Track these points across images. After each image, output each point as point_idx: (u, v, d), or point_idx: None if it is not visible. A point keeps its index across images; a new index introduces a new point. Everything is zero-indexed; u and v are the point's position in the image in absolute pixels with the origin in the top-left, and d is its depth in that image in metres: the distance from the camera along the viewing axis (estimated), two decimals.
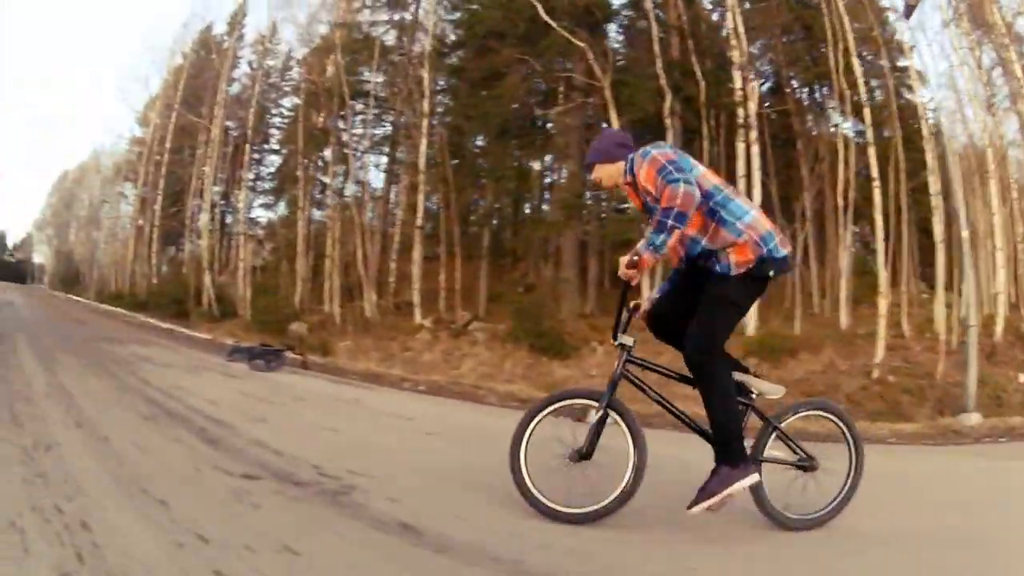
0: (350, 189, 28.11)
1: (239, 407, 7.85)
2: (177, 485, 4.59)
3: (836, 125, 21.41)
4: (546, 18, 19.70)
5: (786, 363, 16.40)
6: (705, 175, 4.35)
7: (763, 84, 22.96)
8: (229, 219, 39.49)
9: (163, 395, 8.29)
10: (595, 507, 4.31)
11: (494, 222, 26.96)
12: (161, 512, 3.98)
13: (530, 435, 4.45)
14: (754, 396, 4.57)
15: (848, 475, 4.62)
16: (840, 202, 19.18)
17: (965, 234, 13.74)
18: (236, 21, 39.17)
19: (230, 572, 3.26)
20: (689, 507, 4.16)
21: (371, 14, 29.21)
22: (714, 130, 20.91)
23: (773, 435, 4.55)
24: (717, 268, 4.33)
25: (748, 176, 18.80)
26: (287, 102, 37.71)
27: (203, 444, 5.87)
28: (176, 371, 11.45)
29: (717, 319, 4.36)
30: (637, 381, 4.50)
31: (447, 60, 26.02)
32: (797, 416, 4.69)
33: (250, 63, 38.27)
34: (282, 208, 36.65)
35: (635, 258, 4.15)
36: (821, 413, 4.74)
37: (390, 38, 28.31)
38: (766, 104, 21.37)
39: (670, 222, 4.08)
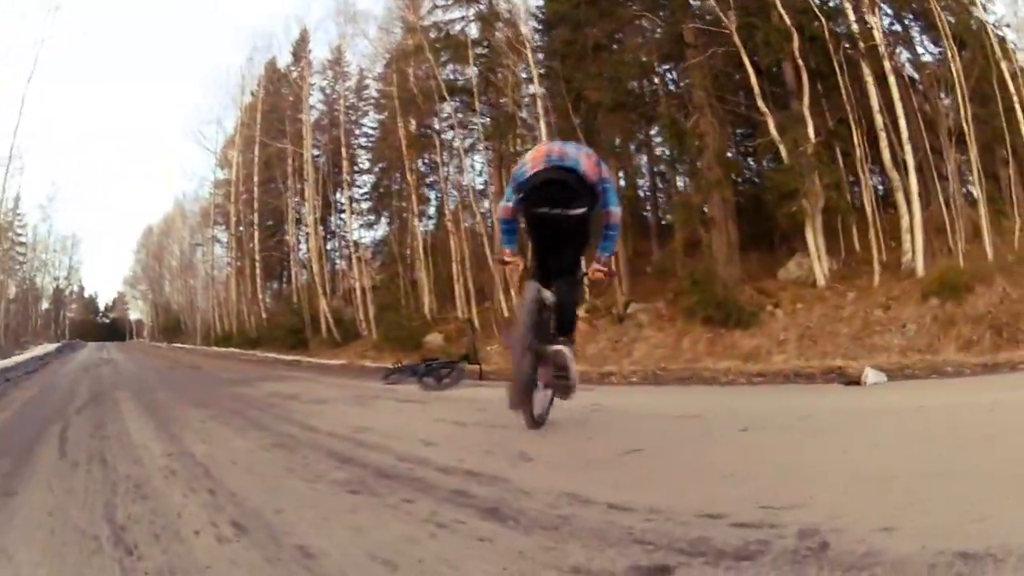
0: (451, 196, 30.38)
1: (470, 445, 5.35)
2: None
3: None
4: None
5: (966, 298, 16.33)
6: None
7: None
8: (330, 244, 40.54)
9: (350, 444, 5.46)
10: None
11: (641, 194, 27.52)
12: None
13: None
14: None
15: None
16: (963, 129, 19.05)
17: None
18: (301, 49, 40.08)
19: None
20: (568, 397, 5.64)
21: (444, 13, 30.12)
22: (842, 69, 20.34)
23: None
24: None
25: (890, 109, 18.99)
26: (368, 120, 39.96)
27: (484, 520, 3.05)
28: (340, 406, 9.01)
29: None
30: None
31: (545, 38, 26.25)
32: None
33: (322, 89, 39.84)
34: (383, 226, 38.79)
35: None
36: None
37: (473, 31, 29.06)
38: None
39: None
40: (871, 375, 9.87)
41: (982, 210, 18.55)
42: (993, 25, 19.79)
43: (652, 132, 26.88)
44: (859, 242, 20.90)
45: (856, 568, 2.25)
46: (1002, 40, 19.55)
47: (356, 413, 8.00)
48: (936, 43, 20.83)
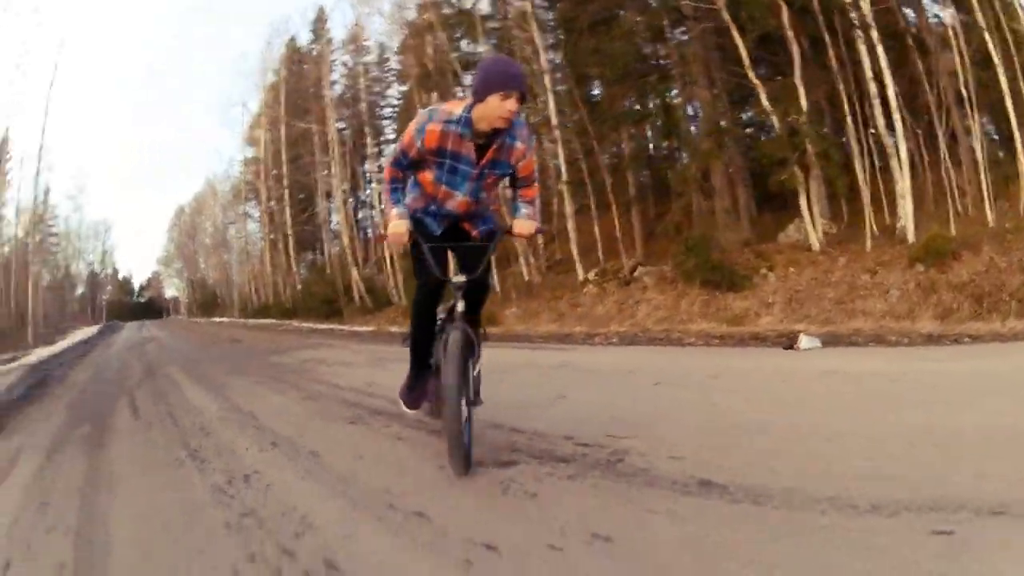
0: None
1: None
2: (427, 490, 3.83)
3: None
4: None
5: (951, 266, 15.90)
6: None
7: None
8: (360, 214, 41.02)
9: (358, 394, 7.40)
10: None
11: (640, 163, 26.67)
12: (420, 525, 3.29)
13: None
14: None
15: None
16: (963, 93, 18.78)
17: None
18: (320, 28, 40.63)
19: None
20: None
21: None
22: (839, 37, 20.27)
23: None
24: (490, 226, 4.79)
25: (879, 77, 18.46)
26: (392, 92, 39.79)
27: (429, 436, 5.00)
28: (359, 368, 10.70)
29: None
30: None
31: (550, 13, 26.08)
32: None
33: (345, 63, 39.70)
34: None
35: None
36: None
37: (484, 5, 28.48)
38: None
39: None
40: (805, 341, 10.96)
41: (982, 175, 18.58)
42: None
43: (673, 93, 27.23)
44: (865, 207, 20.53)
45: (626, 475, 3.82)
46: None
47: (370, 373, 9.64)
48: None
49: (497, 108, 4.06)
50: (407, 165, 4.45)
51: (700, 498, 3.41)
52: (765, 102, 19.82)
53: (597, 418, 5.30)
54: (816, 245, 19.56)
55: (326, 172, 38.19)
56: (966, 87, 18.62)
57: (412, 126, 4.30)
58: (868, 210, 19.75)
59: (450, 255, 4.69)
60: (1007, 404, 5.21)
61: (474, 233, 4.76)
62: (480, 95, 4.11)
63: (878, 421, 4.87)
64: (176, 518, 3.59)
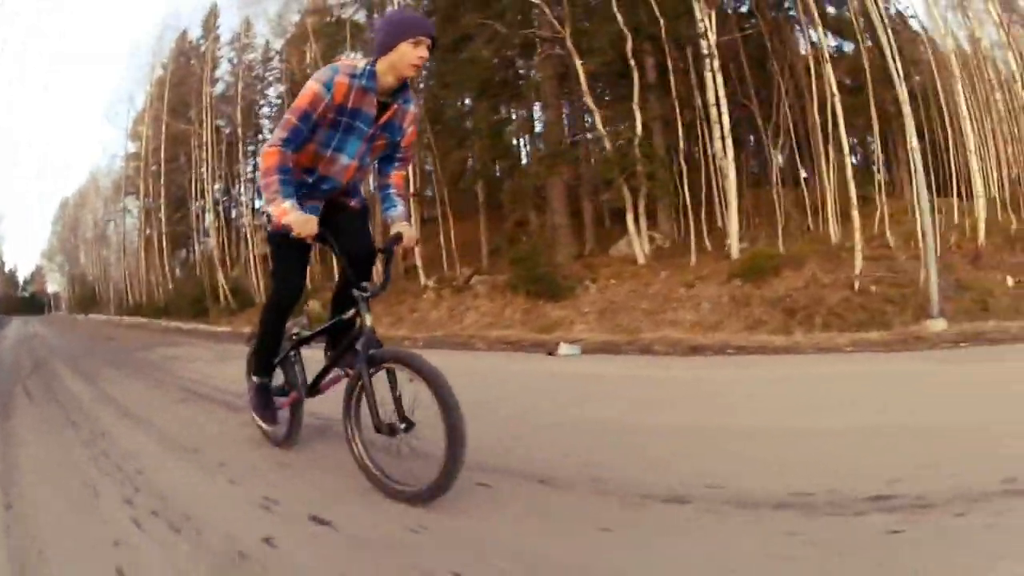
0: None
1: None
2: (207, 442, 5.77)
3: (813, 43, 21.86)
4: None
5: (770, 282, 16.87)
6: None
7: (738, 7, 24.11)
8: (235, 213, 40.65)
9: (195, 383, 9.60)
10: None
11: (485, 177, 28.06)
12: (215, 468, 4.97)
13: None
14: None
15: None
16: (819, 118, 20.09)
17: (914, 143, 14.68)
18: (210, 24, 40.05)
19: (277, 497, 4.17)
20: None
21: None
22: (687, 63, 21.57)
23: None
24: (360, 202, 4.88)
25: (717, 104, 19.60)
26: (273, 91, 39.11)
27: (226, 411, 7.12)
28: (203, 363, 12.78)
29: None
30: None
31: None
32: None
33: (230, 60, 39.15)
34: None
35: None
36: None
37: (361, 17, 28.96)
38: (746, 27, 22.48)
39: None
40: (564, 348, 12.21)
41: (829, 196, 19.93)
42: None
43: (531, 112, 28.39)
44: (691, 225, 21.78)
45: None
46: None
47: (210, 367, 11.94)
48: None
49: (408, 55, 4.05)
50: (307, 137, 4.22)
51: None
52: (599, 125, 21.21)
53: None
54: (641, 259, 20.71)
55: (203, 169, 38.18)
56: (832, 111, 19.33)
57: (314, 84, 4.12)
58: (692, 227, 21.11)
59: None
60: (680, 405, 6.96)
61: (352, 203, 4.79)
62: (388, 45, 4.07)
63: (558, 411, 6.63)
64: (61, 455, 5.57)
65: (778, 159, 22.75)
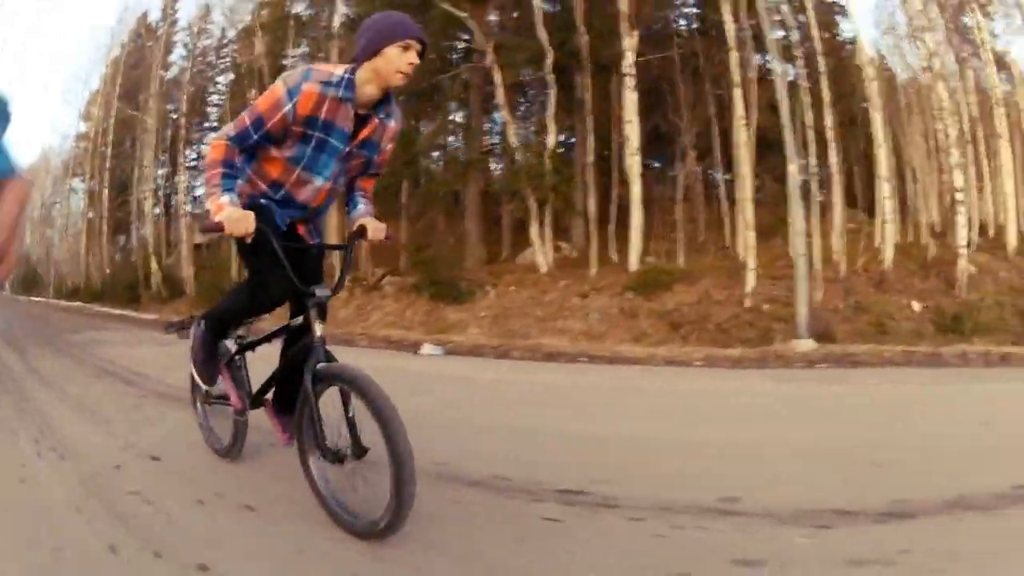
0: None
1: (158, 363, 10.70)
2: (112, 411, 7.16)
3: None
4: None
5: (660, 296, 17.29)
6: None
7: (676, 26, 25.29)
8: (174, 201, 39.33)
9: (107, 363, 11.40)
10: None
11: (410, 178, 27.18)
12: (102, 423, 6.50)
13: None
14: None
15: None
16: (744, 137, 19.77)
17: (792, 167, 14.97)
18: (168, 6, 39.32)
19: (162, 454, 5.30)
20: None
21: None
22: (602, 80, 22.39)
23: None
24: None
25: (632, 121, 19.87)
26: (223, 79, 38.27)
27: (125, 385, 8.97)
28: (120, 347, 14.29)
29: None
30: None
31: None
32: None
33: (185, 45, 38.68)
34: None
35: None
36: None
37: (307, 13, 29.04)
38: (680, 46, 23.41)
39: None
40: (426, 348, 12.82)
41: (742, 215, 19.24)
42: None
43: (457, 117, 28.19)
44: (593, 237, 22.00)
45: None
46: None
47: (128, 351, 13.46)
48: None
49: (396, 61, 3.64)
50: (256, 142, 3.77)
51: None
52: (511, 138, 21.78)
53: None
54: (544, 267, 21.05)
55: (148, 153, 37.48)
56: (757, 130, 20.17)
57: (278, 88, 3.66)
58: (597, 240, 21.55)
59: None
60: (504, 406, 7.87)
61: (310, 241, 4.28)
62: (372, 48, 3.65)
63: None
64: None
65: (697, 174, 24.13)
